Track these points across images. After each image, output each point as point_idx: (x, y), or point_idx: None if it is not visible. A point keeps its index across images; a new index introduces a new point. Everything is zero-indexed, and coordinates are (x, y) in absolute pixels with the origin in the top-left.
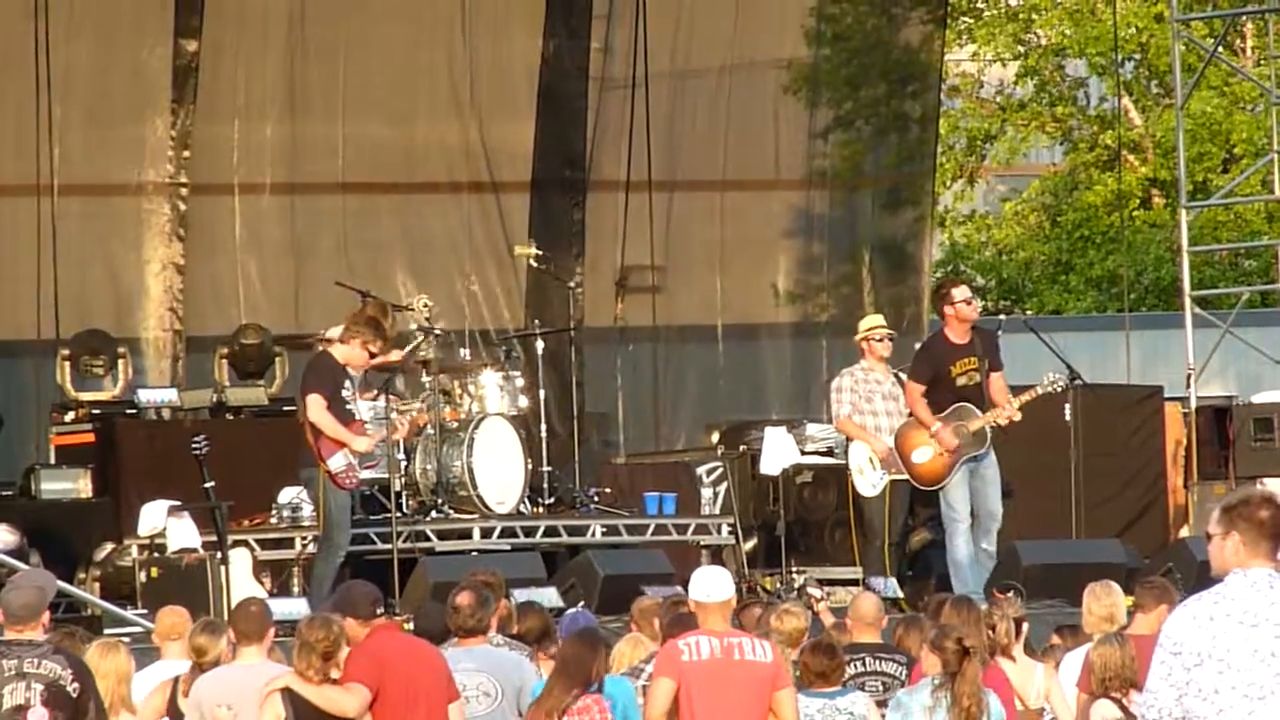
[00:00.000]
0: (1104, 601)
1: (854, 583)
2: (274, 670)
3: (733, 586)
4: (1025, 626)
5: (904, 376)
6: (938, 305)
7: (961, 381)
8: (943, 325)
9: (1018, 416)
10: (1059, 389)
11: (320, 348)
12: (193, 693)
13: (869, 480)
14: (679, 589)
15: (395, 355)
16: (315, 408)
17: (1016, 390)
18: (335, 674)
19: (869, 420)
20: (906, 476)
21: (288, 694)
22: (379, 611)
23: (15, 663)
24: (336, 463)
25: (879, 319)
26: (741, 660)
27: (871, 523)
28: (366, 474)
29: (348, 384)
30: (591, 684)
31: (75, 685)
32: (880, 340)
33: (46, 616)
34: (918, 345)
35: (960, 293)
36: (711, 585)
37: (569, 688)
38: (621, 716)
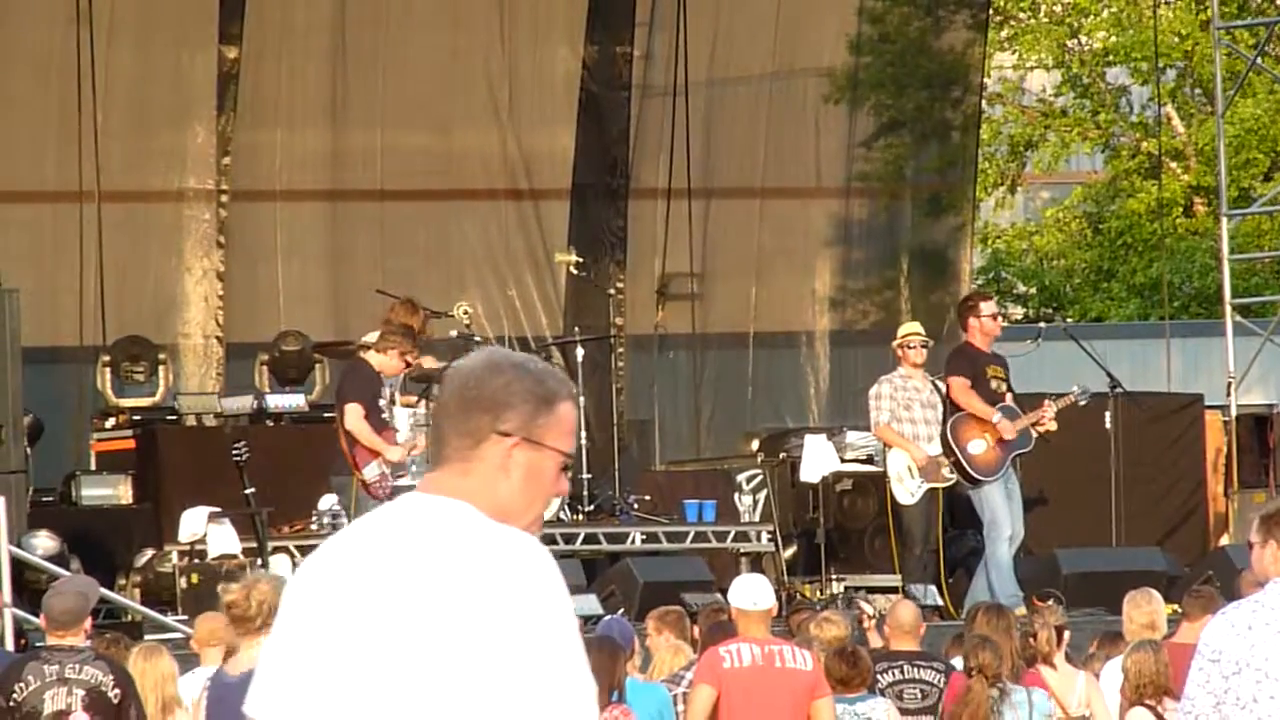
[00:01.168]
0: (1144, 609)
1: (894, 590)
2: None
3: (773, 595)
4: (1066, 634)
5: (940, 385)
6: (963, 316)
7: (994, 385)
8: (966, 336)
9: (1054, 427)
10: (1082, 403)
11: (357, 354)
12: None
13: (907, 488)
14: (718, 596)
15: (430, 363)
16: (353, 416)
17: (1053, 398)
18: None
19: (907, 428)
20: (944, 485)
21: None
22: None
23: (57, 668)
24: (371, 472)
25: (916, 326)
26: (782, 668)
27: (910, 531)
28: (400, 483)
29: (383, 392)
30: (613, 692)
31: (117, 691)
32: (914, 347)
33: (89, 622)
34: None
35: (989, 307)
36: (754, 593)
37: None
38: None
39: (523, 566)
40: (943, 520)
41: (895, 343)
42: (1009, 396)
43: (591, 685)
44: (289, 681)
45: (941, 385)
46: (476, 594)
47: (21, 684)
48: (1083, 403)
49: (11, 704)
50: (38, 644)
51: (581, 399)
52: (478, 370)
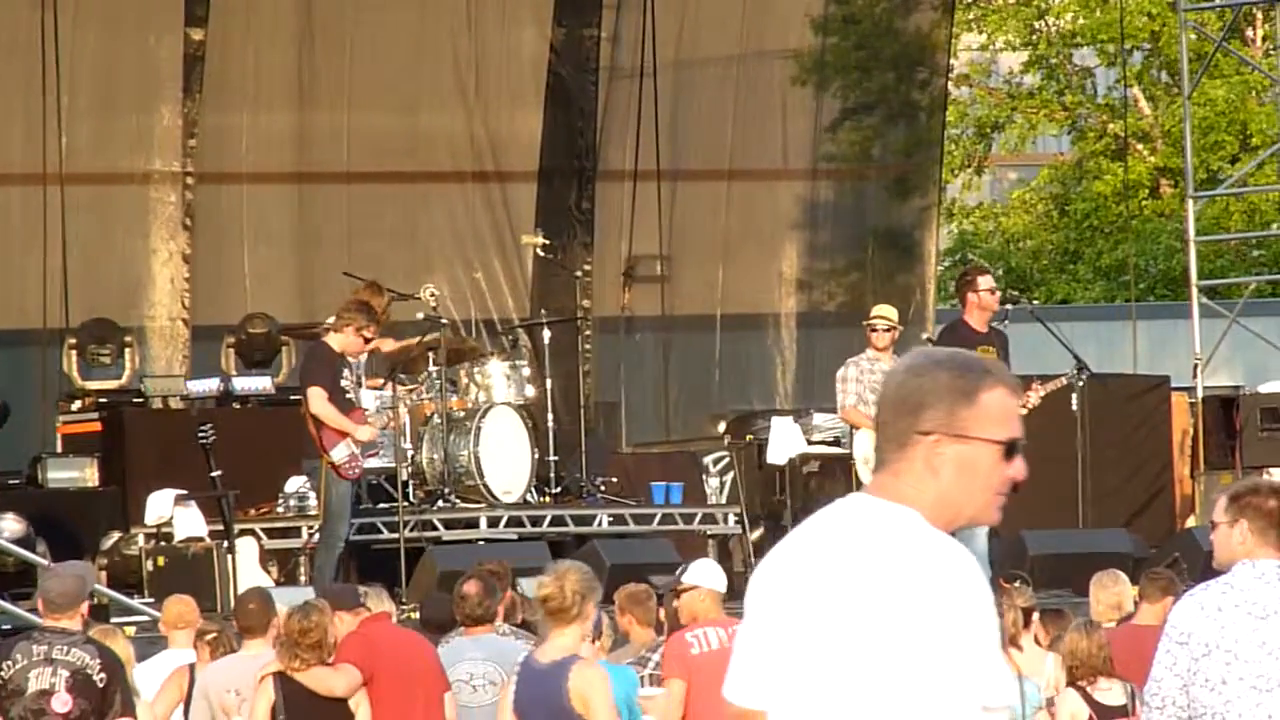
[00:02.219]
0: (1111, 590)
1: None
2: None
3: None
4: (1035, 616)
5: None
6: (961, 291)
7: None
8: (963, 312)
9: (1036, 403)
10: (1080, 384)
11: (320, 336)
12: (199, 681)
13: (873, 470)
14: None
15: (387, 345)
16: (316, 400)
17: (1040, 380)
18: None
19: (873, 410)
20: None
21: (279, 678)
22: (362, 601)
23: (45, 649)
24: (339, 453)
25: (885, 309)
26: None
27: None
28: (370, 463)
29: (346, 372)
30: None
31: (102, 675)
32: (877, 330)
33: (85, 606)
34: (924, 335)
35: (985, 281)
36: (717, 575)
37: None
38: (624, 705)
39: (950, 574)
40: None
41: (865, 322)
42: None
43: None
44: (762, 668)
45: None
46: (913, 597)
47: (9, 662)
48: (1080, 383)
49: (1, 680)
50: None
51: (549, 382)
52: (900, 373)
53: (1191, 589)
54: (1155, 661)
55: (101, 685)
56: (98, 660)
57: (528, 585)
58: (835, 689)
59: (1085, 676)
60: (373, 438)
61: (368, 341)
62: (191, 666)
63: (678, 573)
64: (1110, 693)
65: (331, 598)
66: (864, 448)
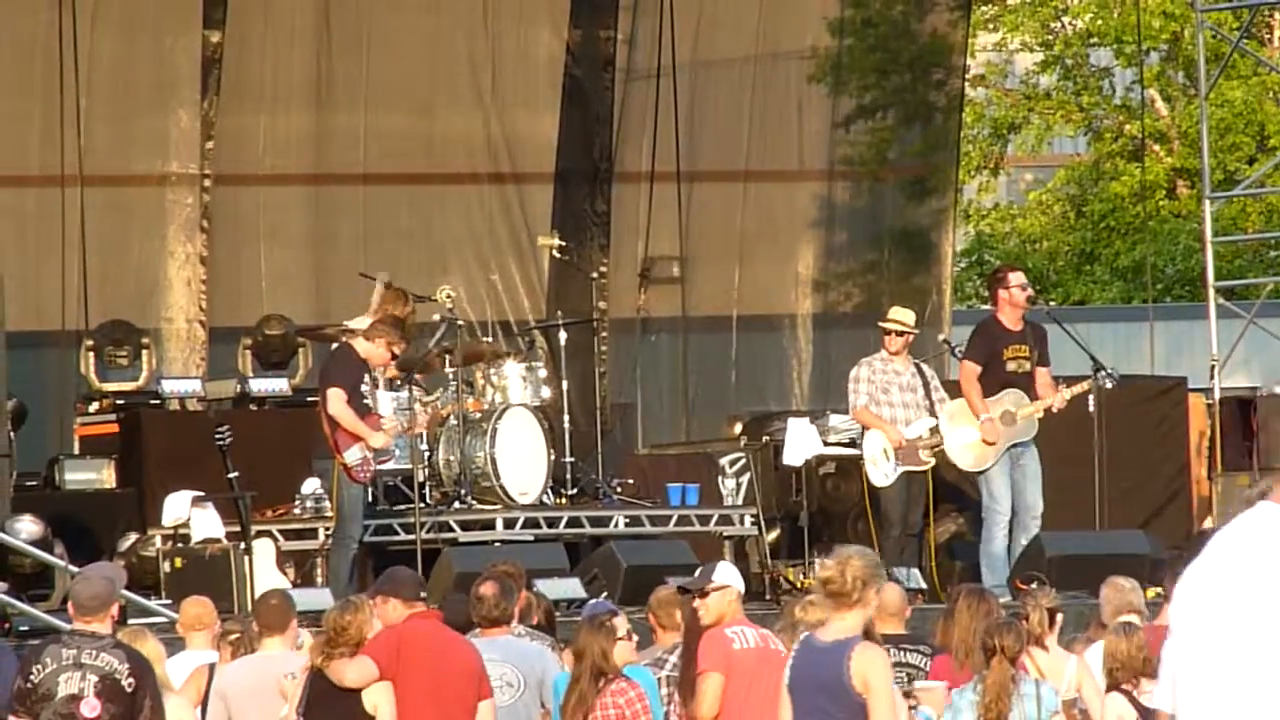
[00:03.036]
0: (1128, 595)
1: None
2: (298, 660)
3: None
4: (1059, 617)
5: (925, 368)
6: (992, 289)
7: (1011, 367)
8: (995, 310)
9: (1062, 406)
10: (1109, 385)
11: (343, 339)
12: (216, 682)
13: (882, 470)
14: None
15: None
16: (335, 401)
17: (1069, 381)
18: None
19: (885, 411)
20: (921, 468)
21: (313, 671)
22: (421, 595)
23: (74, 652)
24: (352, 456)
25: (902, 314)
26: (776, 650)
27: (888, 513)
28: (382, 467)
29: (367, 378)
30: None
31: (131, 680)
32: (889, 334)
33: (116, 609)
34: (940, 337)
35: (1016, 278)
36: (739, 577)
37: (594, 678)
38: None
39: None
40: (921, 504)
41: (881, 323)
42: (1040, 373)
43: None
44: (1195, 679)
45: (927, 369)
46: None
47: (39, 665)
48: (1109, 385)
49: (29, 684)
50: (55, 627)
51: (565, 383)
52: None
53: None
54: (1164, 650)
55: (130, 690)
56: (126, 665)
57: (544, 587)
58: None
59: (1127, 679)
60: (386, 445)
61: (394, 357)
62: (211, 667)
63: (703, 574)
64: (1151, 695)
65: (391, 584)
66: (873, 448)
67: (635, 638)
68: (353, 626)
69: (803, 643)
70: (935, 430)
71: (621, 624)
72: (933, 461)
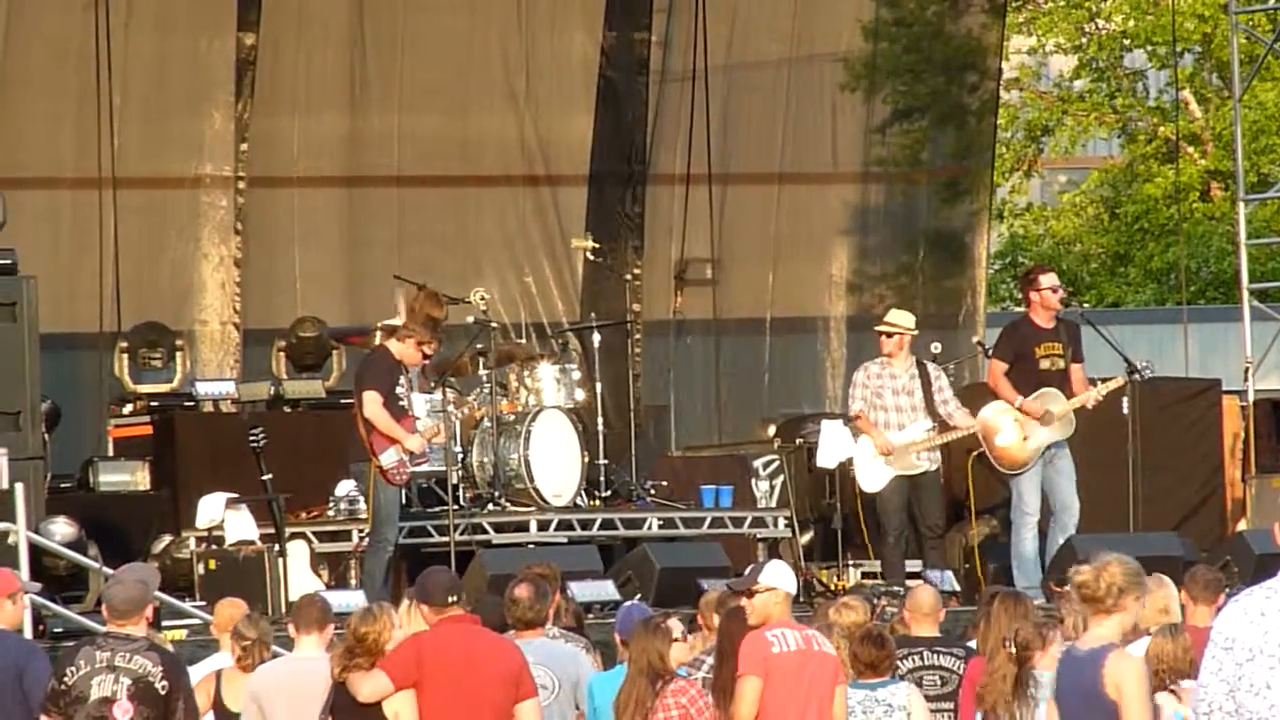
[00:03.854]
0: (1157, 595)
1: (914, 575)
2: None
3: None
4: None
5: (933, 369)
6: (1024, 290)
7: (1045, 365)
8: (1027, 310)
9: (1095, 404)
10: (1146, 377)
11: (377, 340)
12: (250, 684)
13: (872, 476)
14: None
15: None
16: (371, 404)
17: (1103, 380)
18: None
19: (879, 415)
20: (913, 472)
21: (332, 687)
22: (451, 600)
23: (108, 655)
24: (389, 458)
25: (898, 317)
26: (820, 651)
27: (883, 518)
28: (417, 469)
29: (402, 379)
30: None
31: (164, 684)
32: (884, 336)
33: (150, 611)
34: (974, 339)
35: (1048, 279)
36: (790, 578)
37: (650, 680)
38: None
39: None
40: (971, 504)
41: (876, 328)
42: (1074, 369)
43: None
44: None
45: (934, 370)
46: None
47: (73, 668)
48: (1146, 376)
49: (63, 686)
50: (88, 629)
51: (598, 385)
52: None
53: (1236, 594)
54: (1202, 667)
55: (164, 693)
56: (160, 668)
57: (577, 589)
58: None
59: (1175, 680)
60: (421, 449)
61: (426, 358)
62: (219, 674)
63: (751, 573)
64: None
65: (422, 591)
66: (864, 454)
67: (689, 639)
68: (370, 636)
69: (1065, 652)
70: (940, 432)
71: (676, 626)
72: (924, 465)
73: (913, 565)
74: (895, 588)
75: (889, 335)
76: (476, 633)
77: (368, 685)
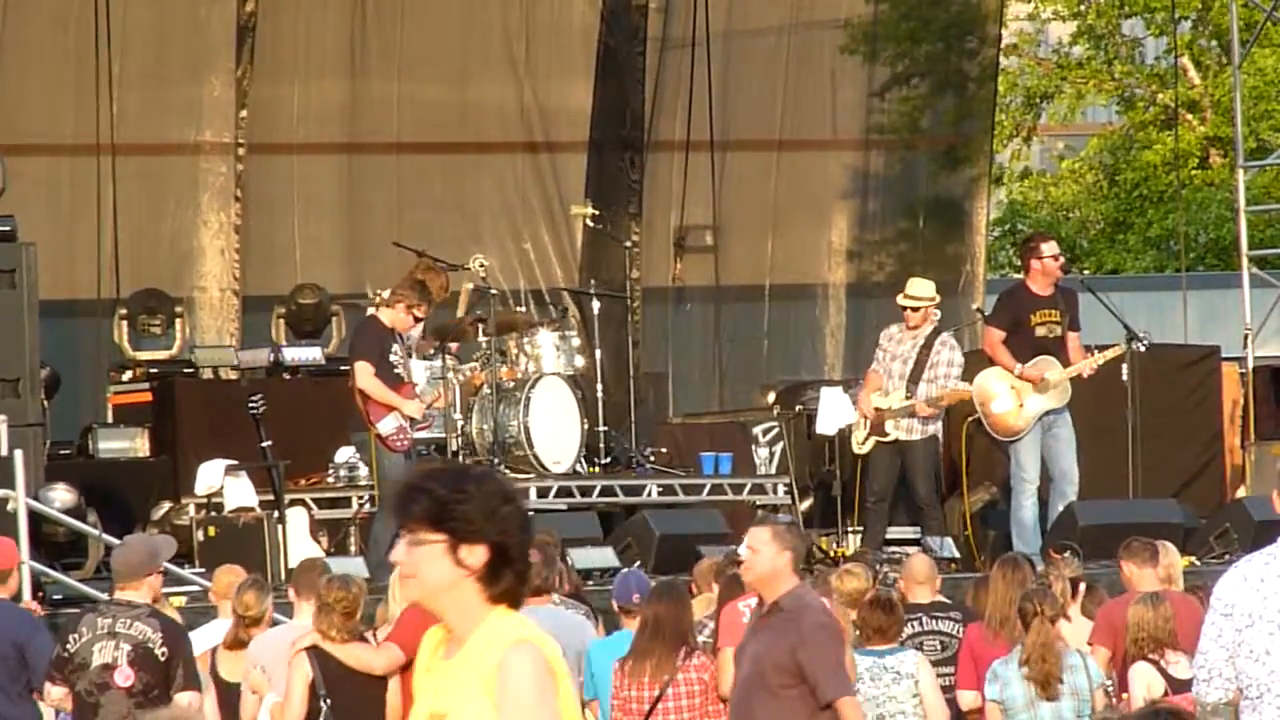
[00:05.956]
0: (1161, 562)
1: (910, 542)
2: None
3: None
4: (1082, 587)
5: (944, 343)
6: (1025, 257)
7: (1041, 332)
8: (1025, 277)
9: (1092, 372)
10: (1141, 349)
11: (371, 310)
12: (252, 651)
13: (857, 438)
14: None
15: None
16: (363, 374)
17: (1100, 348)
18: (363, 629)
19: (887, 380)
20: (886, 439)
21: (314, 652)
22: None
23: (110, 621)
24: (387, 426)
25: (919, 287)
26: None
27: (869, 481)
28: (420, 434)
29: (396, 347)
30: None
31: (164, 650)
32: (905, 309)
33: (157, 579)
34: (974, 306)
35: (1049, 248)
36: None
37: (674, 647)
38: (574, 655)
39: None
40: (964, 472)
41: (898, 299)
42: (1071, 337)
43: None
44: None
45: (944, 343)
46: None
47: (76, 634)
48: (1142, 348)
49: (67, 653)
50: (87, 595)
51: (598, 352)
52: None
53: (1236, 560)
54: (1202, 633)
55: (164, 659)
56: (160, 634)
57: (577, 556)
58: None
59: (1155, 649)
60: (420, 414)
61: (418, 320)
62: (215, 649)
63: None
64: (1179, 665)
65: None
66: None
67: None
68: (348, 599)
69: None
70: (916, 404)
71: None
72: (895, 435)
73: (912, 532)
74: (895, 554)
75: (913, 309)
76: None
77: (383, 659)
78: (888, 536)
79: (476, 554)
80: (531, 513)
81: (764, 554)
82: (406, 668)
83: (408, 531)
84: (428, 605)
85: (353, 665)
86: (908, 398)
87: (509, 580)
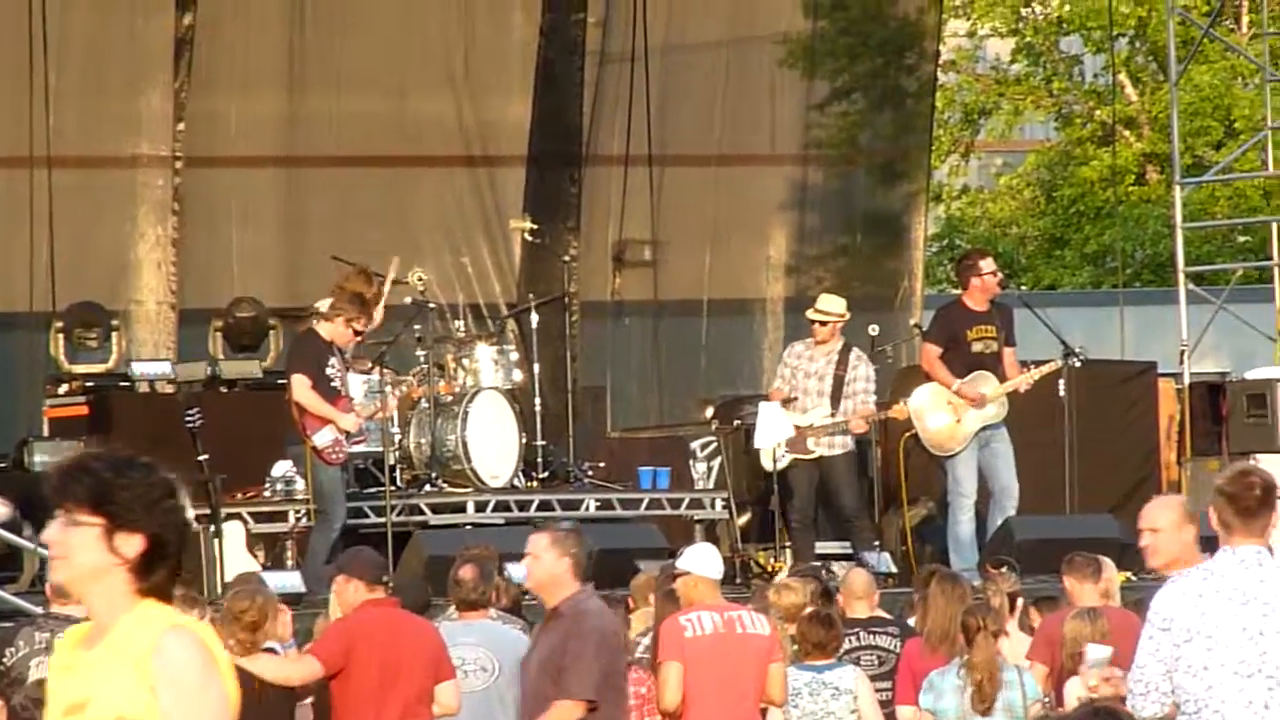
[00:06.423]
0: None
1: (845, 557)
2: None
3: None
4: (1020, 601)
5: (857, 358)
6: (964, 274)
7: (977, 348)
8: (962, 293)
9: (1028, 387)
10: (1077, 364)
11: (310, 323)
12: None
13: (771, 457)
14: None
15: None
16: (300, 388)
17: (1037, 363)
18: (273, 644)
19: (798, 396)
20: (807, 457)
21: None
22: (384, 580)
23: (48, 636)
24: (323, 438)
25: (829, 303)
26: (743, 633)
27: (787, 502)
28: (358, 448)
29: (333, 361)
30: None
31: None
32: (814, 324)
33: None
34: (911, 322)
35: (988, 264)
36: (711, 560)
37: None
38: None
39: None
40: (902, 487)
41: (808, 313)
42: (1006, 353)
43: None
44: None
45: (858, 358)
46: None
47: (12, 649)
48: (1078, 364)
49: (3, 667)
50: (21, 609)
51: (536, 366)
52: None
53: (1174, 576)
54: (1139, 647)
55: None
56: None
57: (515, 570)
58: None
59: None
60: (356, 428)
61: (357, 334)
62: None
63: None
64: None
65: (356, 566)
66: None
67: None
68: (253, 610)
69: None
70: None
71: None
72: (824, 451)
73: (840, 547)
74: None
75: (821, 323)
76: (400, 616)
77: (299, 670)
78: (818, 552)
79: (133, 543)
80: (469, 527)
81: (543, 560)
82: (331, 679)
83: (64, 511)
84: (74, 589)
85: (267, 678)
86: (831, 415)
87: (161, 575)
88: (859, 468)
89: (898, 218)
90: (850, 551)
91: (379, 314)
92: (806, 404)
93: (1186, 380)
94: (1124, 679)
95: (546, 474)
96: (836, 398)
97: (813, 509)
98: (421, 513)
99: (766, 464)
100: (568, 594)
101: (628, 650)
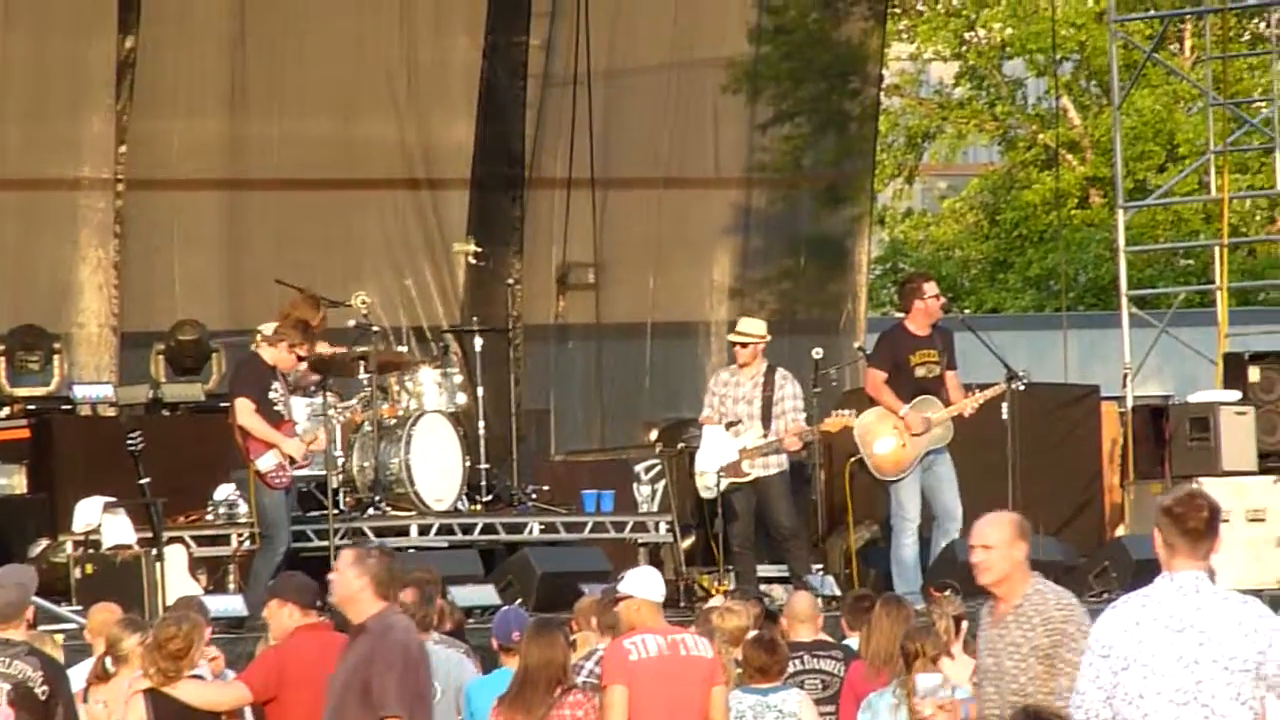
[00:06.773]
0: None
1: (783, 580)
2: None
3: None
4: (964, 624)
5: (783, 379)
6: (907, 298)
7: (920, 372)
8: (904, 317)
9: (973, 411)
10: (1021, 388)
11: (252, 347)
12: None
13: (705, 483)
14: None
15: (324, 349)
16: (243, 411)
17: (980, 387)
18: (200, 670)
19: (725, 421)
20: (743, 480)
21: (151, 695)
22: (318, 605)
23: None
24: (266, 463)
25: (748, 325)
26: (687, 656)
27: (726, 527)
28: (301, 471)
29: (277, 385)
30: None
31: (45, 688)
32: (734, 346)
33: (31, 613)
34: (855, 345)
35: (931, 288)
36: (653, 584)
37: (550, 686)
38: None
39: None
40: (849, 509)
41: (728, 336)
42: (949, 376)
43: None
44: None
45: (782, 379)
46: None
47: None
48: (1021, 387)
49: None
50: None
51: (479, 389)
52: None
53: (1115, 599)
54: (1079, 674)
55: (44, 698)
56: (40, 672)
57: (458, 594)
58: None
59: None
60: (300, 454)
61: (301, 360)
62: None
63: (619, 581)
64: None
65: (289, 589)
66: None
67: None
68: (177, 639)
69: None
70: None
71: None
72: (752, 474)
73: (777, 570)
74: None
75: (742, 345)
76: (335, 640)
77: (229, 695)
78: (765, 575)
79: None
80: (412, 550)
81: (344, 577)
82: (265, 705)
83: None
84: None
85: (195, 704)
86: (764, 435)
87: None
88: (801, 489)
89: (841, 241)
90: (786, 575)
91: (324, 347)
92: (739, 428)
93: (1129, 404)
94: (959, 704)
95: (490, 497)
96: (767, 419)
97: (753, 532)
98: (364, 536)
99: (704, 492)
100: (372, 612)
101: (567, 674)
